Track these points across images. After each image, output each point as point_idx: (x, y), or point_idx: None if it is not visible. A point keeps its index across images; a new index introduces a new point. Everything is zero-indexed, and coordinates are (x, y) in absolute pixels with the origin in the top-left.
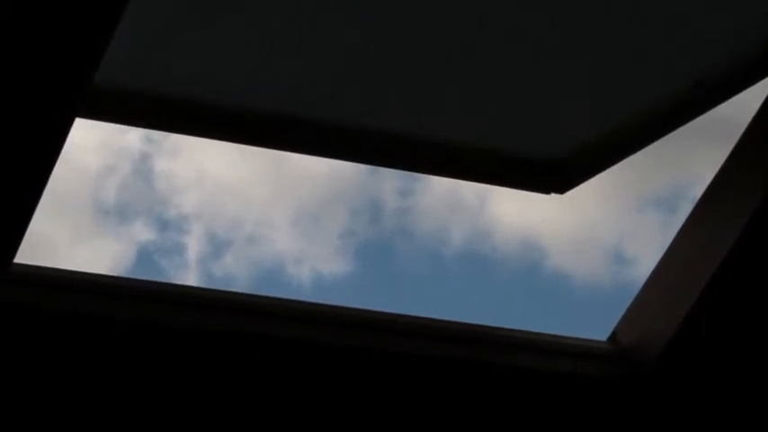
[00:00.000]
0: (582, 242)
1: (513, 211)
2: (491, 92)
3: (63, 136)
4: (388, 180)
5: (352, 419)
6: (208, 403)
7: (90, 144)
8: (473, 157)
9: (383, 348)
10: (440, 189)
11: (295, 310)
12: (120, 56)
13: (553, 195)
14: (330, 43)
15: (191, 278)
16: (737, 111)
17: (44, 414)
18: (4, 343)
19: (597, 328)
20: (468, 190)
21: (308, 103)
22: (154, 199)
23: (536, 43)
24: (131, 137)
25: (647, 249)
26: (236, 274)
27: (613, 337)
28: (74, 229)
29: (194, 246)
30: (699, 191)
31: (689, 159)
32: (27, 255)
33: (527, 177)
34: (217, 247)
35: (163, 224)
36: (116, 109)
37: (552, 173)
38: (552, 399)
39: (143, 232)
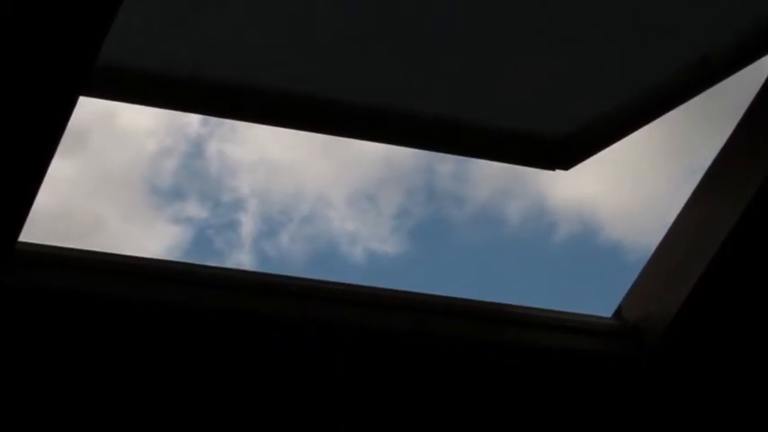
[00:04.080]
0: (637, 211)
1: (567, 180)
2: (492, 71)
3: (66, 116)
4: (443, 160)
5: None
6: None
7: (147, 127)
8: (476, 134)
9: (371, 325)
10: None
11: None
12: (132, 35)
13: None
14: (332, 25)
15: (245, 258)
16: None
17: (47, 397)
18: (8, 322)
19: None
20: None
21: (316, 83)
22: (210, 180)
23: (539, 25)
24: (188, 119)
25: None
26: (290, 253)
27: (618, 313)
28: (131, 211)
29: (250, 226)
30: None
31: None
32: (82, 235)
33: (532, 154)
34: (272, 226)
35: (218, 205)
36: (129, 88)
37: (558, 149)
38: (558, 374)
39: (198, 213)
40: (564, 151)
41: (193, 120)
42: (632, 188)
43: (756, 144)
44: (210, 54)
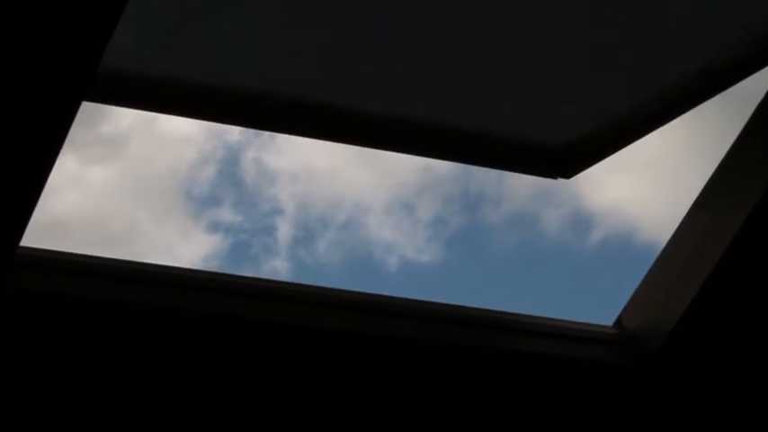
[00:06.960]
0: (676, 212)
1: (605, 182)
2: (497, 81)
3: (69, 120)
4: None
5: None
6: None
7: (187, 134)
8: (477, 142)
9: (372, 332)
10: None
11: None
12: (139, 42)
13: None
14: (347, 32)
15: (281, 265)
16: None
17: (46, 400)
18: (8, 327)
19: None
20: None
21: (315, 89)
22: (248, 188)
23: (542, 34)
24: (228, 127)
25: None
26: (327, 261)
27: (619, 322)
28: (168, 218)
29: (287, 234)
30: None
31: None
32: (118, 242)
33: (533, 162)
34: (309, 234)
35: (256, 213)
36: (135, 94)
37: (560, 158)
38: (557, 382)
39: (236, 221)
40: (565, 160)
41: (233, 128)
42: (671, 188)
43: (758, 154)
44: (219, 60)
